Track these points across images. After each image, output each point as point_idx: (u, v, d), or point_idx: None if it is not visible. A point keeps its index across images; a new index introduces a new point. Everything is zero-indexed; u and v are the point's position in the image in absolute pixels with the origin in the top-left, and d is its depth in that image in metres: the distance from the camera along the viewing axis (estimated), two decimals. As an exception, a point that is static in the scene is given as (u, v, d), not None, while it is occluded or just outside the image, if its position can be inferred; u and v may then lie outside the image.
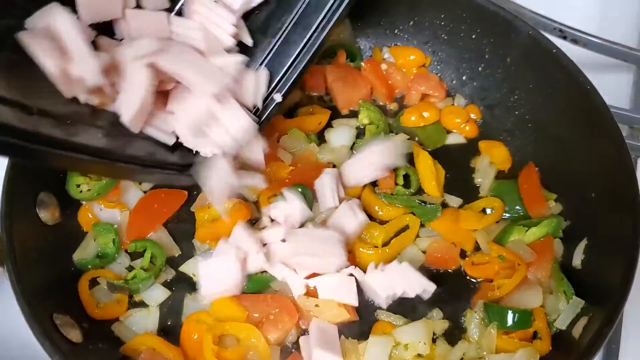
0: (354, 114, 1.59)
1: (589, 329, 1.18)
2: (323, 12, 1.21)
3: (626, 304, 1.36)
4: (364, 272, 1.28)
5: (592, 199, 1.35)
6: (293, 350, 1.25)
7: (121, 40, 1.14)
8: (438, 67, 1.64)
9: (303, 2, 1.22)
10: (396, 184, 1.47)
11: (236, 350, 1.21)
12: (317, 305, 1.24)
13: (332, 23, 1.22)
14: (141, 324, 1.26)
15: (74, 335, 1.17)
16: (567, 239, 1.38)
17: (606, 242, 1.28)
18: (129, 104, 1.06)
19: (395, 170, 1.47)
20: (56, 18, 0.97)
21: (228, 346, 1.23)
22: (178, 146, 1.18)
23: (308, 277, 1.25)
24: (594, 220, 1.34)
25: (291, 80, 1.25)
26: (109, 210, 1.39)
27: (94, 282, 1.31)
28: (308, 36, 1.22)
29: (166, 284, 1.33)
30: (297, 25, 1.22)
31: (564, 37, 1.73)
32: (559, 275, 1.31)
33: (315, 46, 1.23)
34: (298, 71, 1.24)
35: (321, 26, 1.22)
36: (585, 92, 1.36)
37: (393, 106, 1.62)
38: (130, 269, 1.35)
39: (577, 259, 1.33)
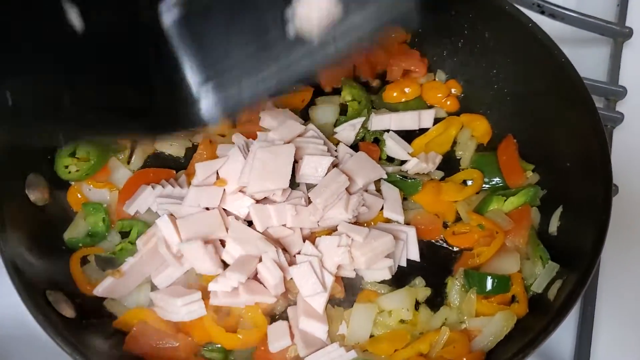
0: (336, 91, 1.61)
1: (562, 291, 1.22)
2: None
3: (601, 267, 1.42)
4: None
5: (567, 168, 1.39)
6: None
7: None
8: (419, 43, 1.66)
9: None
10: (380, 159, 1.51)
11: (230, 319, 1.25)
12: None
13: None
14: (133, 298, 1.29)
15: (67, 310, 1.20)
16: (544, 207, 1.42)
17: (580, 209, 1.32)
18: None
19: (378, 143, 1.51)
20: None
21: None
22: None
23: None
24: (569, 188, 1.38)
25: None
26: (98, 190, 1.41)
27: (85, 260, 1.33)
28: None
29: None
30: None
31: (542, 12, 1.74)
32: (535, 242, 1.36)
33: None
34: None
35: None
36: (559, 65, 1.39)
37: (375, 83, 1.64)
38: (121, 246, 1.38)
39: (553, 226, 1.37)
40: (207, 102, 0.87)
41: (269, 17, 0.88)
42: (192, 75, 0.86)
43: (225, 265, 1.30)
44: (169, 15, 0.83)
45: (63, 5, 0.82)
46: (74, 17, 0.83)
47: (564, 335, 1.39)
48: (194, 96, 0.86)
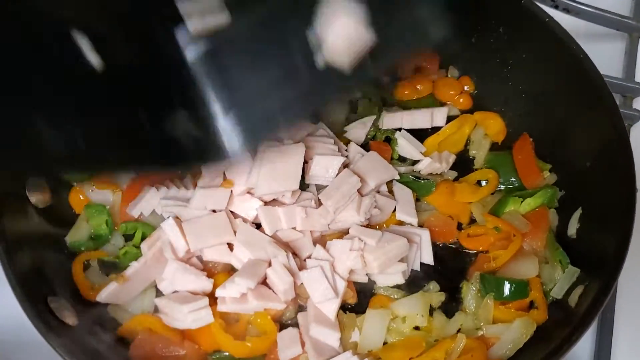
0: (346, 88, 1.57)
1: (584, 297, 1.18)
2: None
3: (621, 273, 1.38)
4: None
5: (586, 168, 1.34)
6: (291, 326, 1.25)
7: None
8: (430, 38, 1.61)
9: None
10: (392, 158, 1.46)
11: (239, 326, 1.21)
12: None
13: None
14: (137, 304, 1.25)
15: (69, 318, 1.15)
16: (562, 209, 1.38)
17: (601, 211, 1.28)
18: None
19: (390, 143, 1.47)
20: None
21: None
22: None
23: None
24: (588, 189, 1.34)
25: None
26: (101, 191, 1.36)
27: (87, 265, 1.29)
28: None
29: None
30: None
31: (556, 7, 1.70)
32: (554, 245, 1.31)
33: None
34: None
35: None
36: (578, 61, 1.35)
37: (386, 80, 1.59)
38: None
39: (572, 229, 1.33)
40: (231, 135, 0.86)
41: (297, 49, 0.87)
42: (217, 108, 0.85)
43: (233, 269, 1.26)
44: (192, 50, 0.81)
45: (80, 45, 0.82)
46: (92, 56, 0.83)
47: (582, 340, 1.34)
48: (218, 130, 0.86)
